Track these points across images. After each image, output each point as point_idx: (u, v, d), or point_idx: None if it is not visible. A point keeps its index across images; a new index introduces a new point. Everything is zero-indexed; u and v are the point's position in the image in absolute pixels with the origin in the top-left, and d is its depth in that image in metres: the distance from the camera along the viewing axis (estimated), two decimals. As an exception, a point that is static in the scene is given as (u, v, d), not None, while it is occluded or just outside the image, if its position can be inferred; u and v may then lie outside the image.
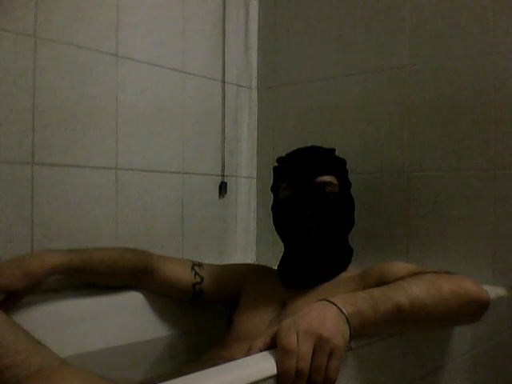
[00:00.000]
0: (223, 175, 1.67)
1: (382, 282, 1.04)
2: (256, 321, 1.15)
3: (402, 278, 0.92)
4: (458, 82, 1.37)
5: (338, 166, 1.21)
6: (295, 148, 1.25)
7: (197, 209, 1.59)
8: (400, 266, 1.06)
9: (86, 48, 1.33)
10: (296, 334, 0.72)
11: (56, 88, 1.27)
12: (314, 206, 1.13)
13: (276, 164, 1.26)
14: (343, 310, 0.77)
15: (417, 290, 0.85)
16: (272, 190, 1.26)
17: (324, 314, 0.75)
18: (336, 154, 1.25)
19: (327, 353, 0.72)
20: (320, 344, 0.71)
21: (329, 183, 1.16)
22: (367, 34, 1.54)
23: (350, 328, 0.76)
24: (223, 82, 1.67)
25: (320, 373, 0.71)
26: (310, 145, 1.25)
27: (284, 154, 1.25)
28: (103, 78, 1.36)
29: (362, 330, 0.79)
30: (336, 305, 0.77)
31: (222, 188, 1.66)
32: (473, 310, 0.93)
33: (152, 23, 1.48)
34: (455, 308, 0.89)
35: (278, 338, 0.73)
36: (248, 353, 0.76)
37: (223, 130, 1.67)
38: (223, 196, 1.67)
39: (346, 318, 0.76)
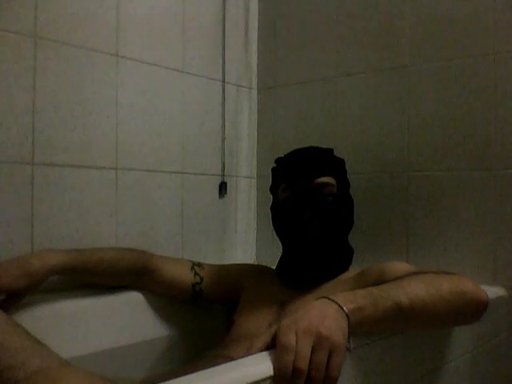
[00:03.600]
0: (223, 175, 1.67)
1: (380, 281, 1.04)
2: (256, 321, 1.15)
3: (402, 277, 0.92)
4: (458, 82, 1.37)
5: (336, 166, 1.21)
6: (294, 148, 1.25)
7: (197, 209, 1.59)
8: (399, 266, 1.07)
9: (86, 48, 1.33)
10: (295, 332, 0.72)
11: (56, 88, 1.27)
12: (313, 208, 1.13)
13: (274, 165, 1.26)
14: (343, 307, 0.76)
15: (416, 289, 0.85)
16: (271, 191, 1.26)
17: (324, 312, 0.75)
18: (335, 154, 1.25)
19: (327, 350, 0.71)
20: (319, 342, 0.71)
21: (327, 184, 1.16)
22: (367, 33, 1.54)
23: (349, 325, 0.76)
24: (223, 81, 1.67)
25: (320, 370, 0.70)
26: (309, 145, 1.25)
27: (283, 155, 1.25)
28: (103, 78, 1.36)
29: (362, 328, 0.79)
30: (336, 302, 0.77)
31: (222, 188, 1.66)
32: (472, 309, 0.93)
33: (152, 23, 1.48)
34: (454, 307, 0.89)
35: (278, 337, 0.73)
36: (248, 352, 0.76)
37: (223, 130, 1.67)
38: (223, 196, 1.67)
39: (347, 315, 0.76)
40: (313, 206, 1.13)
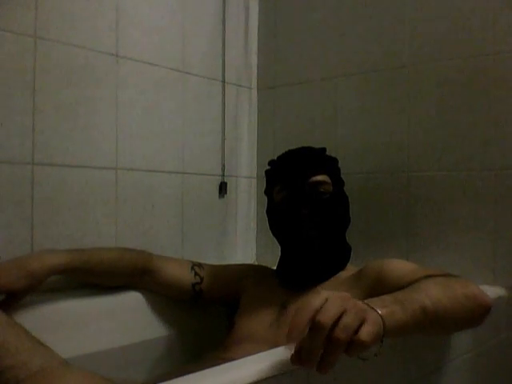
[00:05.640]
0: (223, 175, 1.67)
1: (381, 280, 1.04)
2: (256, 322, 1.15)
3: (417, 280, 0.90)
4: (458, 82, 1.37)
5: (330, 164, 1.22)
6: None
7: (197, 209, 1.59)
8: (400, 264, 1.06)
9: (86, 48, 1.32)
10: (327, 297, 0.66)
11: (56, 88, 1.27)
12: (309, 207, 1.13)
13: (268, 167, 1.26)
14: (377, 310, 0.70)
15: (435, 292, 0.83)
16: (266, 194, 1.26)
17: None
18: (333, 154, 1.26)
19: (359, 318, 0.64)
20: (352, 307, 0.65)
21: (322, 182, 1.16)
22: (367, 33, 1.54)
23: (384, 329, 0.69)
24: (223, 82, 1.67)
25: (345, 331, 0.62)
26: (309, 145, 1.26)
27: (276, 157, 1.25)
28: (103, 78, 1.36)
29: (393, 333, 0.72)
30: (368, 305, 0.71)
31: (222, 188, 1.66)
32: (479, 313, 0.92)
33: (152, 23, 1.48)
34: (467, 311, 0.88)
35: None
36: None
37: (223, 130, 1.67)
38: (223, 196, 1.67)
39: (382, 318, 0.69)
40: (309, 203, 1.13)
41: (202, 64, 1.62)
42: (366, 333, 0.64)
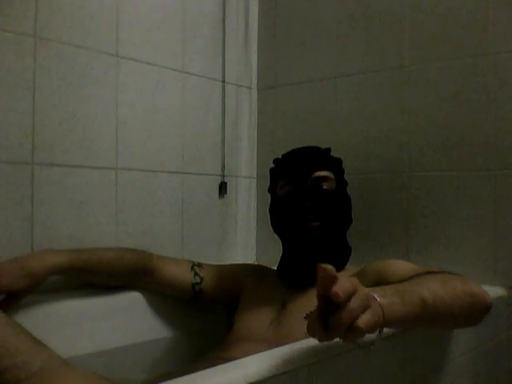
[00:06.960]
0: (223, 175, 1.67)
1: (381, 279, 1.04)
2: (257, 321, 1.15)
3: (417, 275, 0.90)
4: (458, 82, 1.37)
5: (334, 163, 1.22)
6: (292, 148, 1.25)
7: (197, 209, 1.59)
8: (400, 264, 1.07)
9: (86, 48, 1.32)
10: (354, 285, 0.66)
11: (56, 88, 1.27)
12: (311, 200, 1.14)
13: (273, 165, 1.26)
14: (377, 299, 0.70)
15: (436, 287, 0.83)
16: (269, 191, 1.26)
17: None
18: (333, 154, 1.26)
19: (363, 304, 0.66)
20: (358, 294, 0.66)
21: (326, 178, 1.17)
22: (367, 33, 1.54)
23: (383, 319, 0.70)
24: (223, 82, 1.67)
25: (349, 315, 0.64)
26: (309, 145, 1.26)
27: (281, 156, 1.26)
28: (103, 78, 1.36)
29: (391, 324, 0.74)
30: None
31: (222, 188, 1.66)
32: (479, 311, 0.92)
33: (152, 23, 1.48)
34: (467, 308, 0.88)
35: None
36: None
37: (223, 130, 1.67)
38: (223, 196, 1.67)
39: (381, 308, 0.70)
40: (311, 196, 1.14)
41: (201, 64, 1.62)
42: (364, 320, 0.65)
